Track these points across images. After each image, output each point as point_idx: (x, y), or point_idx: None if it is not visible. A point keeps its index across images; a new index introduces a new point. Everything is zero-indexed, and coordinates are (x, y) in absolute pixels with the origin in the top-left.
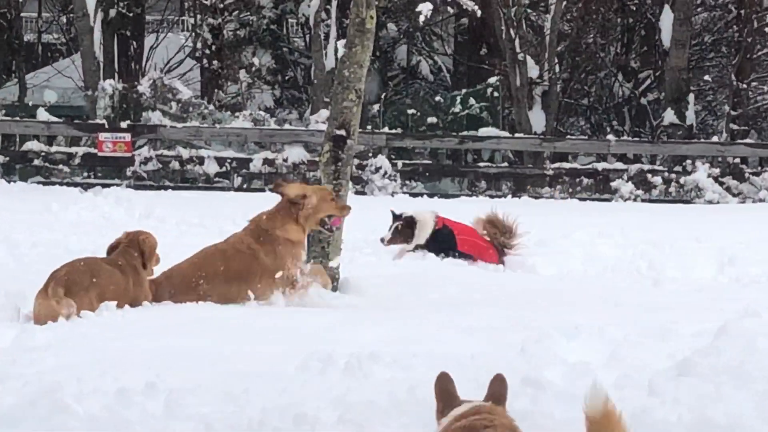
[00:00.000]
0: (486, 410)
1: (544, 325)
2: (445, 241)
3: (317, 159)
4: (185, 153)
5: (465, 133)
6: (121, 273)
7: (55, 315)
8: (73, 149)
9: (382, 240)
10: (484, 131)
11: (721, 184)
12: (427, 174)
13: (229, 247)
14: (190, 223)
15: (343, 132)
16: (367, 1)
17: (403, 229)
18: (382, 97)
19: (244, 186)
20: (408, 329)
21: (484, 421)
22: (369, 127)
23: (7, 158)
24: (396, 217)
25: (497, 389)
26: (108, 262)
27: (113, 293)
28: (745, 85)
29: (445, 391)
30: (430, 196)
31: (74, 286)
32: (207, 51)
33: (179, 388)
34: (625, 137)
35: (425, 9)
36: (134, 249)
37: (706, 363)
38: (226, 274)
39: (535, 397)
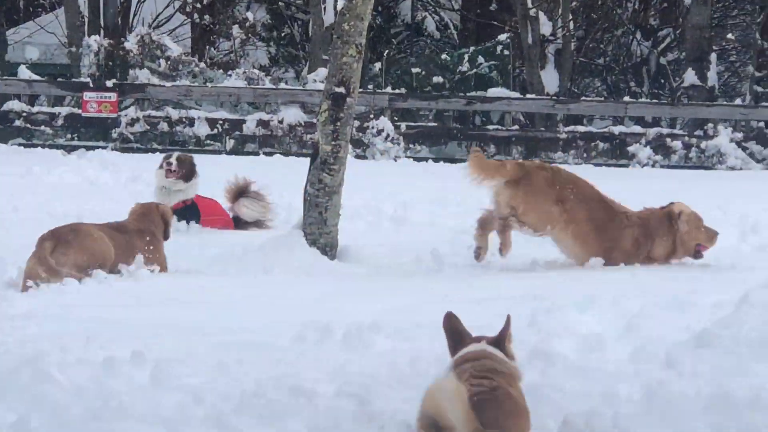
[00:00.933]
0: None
1: (556, 295)
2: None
3: (315, 120)
4: (174, 114)
5: (473, 93)
6: (130, 236)
7: (52, 275)
8: (56, 109)
9: None
10: (493, 92)
11: (744, 149)
12: (433, 137)
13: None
14: None
15: (342, 89)
16: None
17: None
18: (385, 54)
19: (238, 149)
20: (411, 299)
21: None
22: (371, 86)
23: None
24: None
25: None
26: (118, 227)
27: (111, 256)
28: None
29: (454, 329)
30: (436, 160)
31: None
32: (198, 5)
33: (168, 359)
34: (643, 99)
35: None
36: (156, 217)
37: (726, 334)
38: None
39: (545, 370)
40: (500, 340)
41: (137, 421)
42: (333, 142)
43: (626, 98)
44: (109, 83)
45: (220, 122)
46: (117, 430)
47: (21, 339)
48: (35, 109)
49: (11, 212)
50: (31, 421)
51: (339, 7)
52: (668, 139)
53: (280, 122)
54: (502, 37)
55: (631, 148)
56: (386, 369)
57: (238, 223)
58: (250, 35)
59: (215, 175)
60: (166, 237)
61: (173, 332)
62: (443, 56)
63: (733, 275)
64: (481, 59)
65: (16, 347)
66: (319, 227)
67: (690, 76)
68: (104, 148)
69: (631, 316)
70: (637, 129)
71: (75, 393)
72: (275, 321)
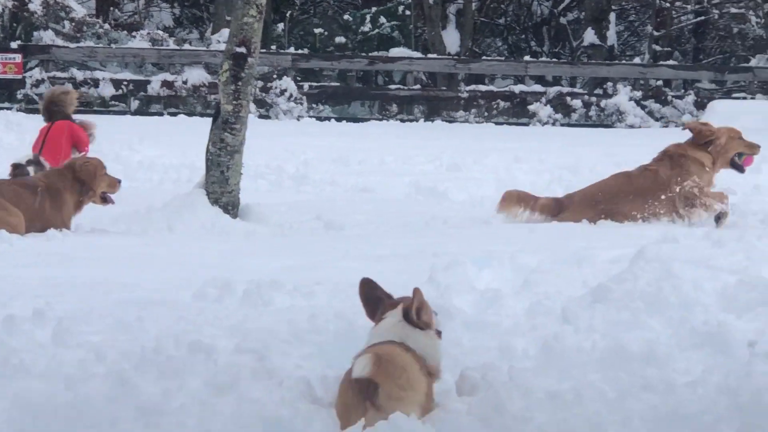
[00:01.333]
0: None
1: (454, 252)
2: None
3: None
4: (79, 75)
5: (375, 53)
6: (33, 194)
7: None
8: None
9: None
10: (395, 52)
11: (643, 107)
12: (335, 97)
13: (635, 171)
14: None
15: (243, 49)
16: None
17: None
18: (288, 15)
19: (143, 109)
20: (311, 257)
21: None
22: (274, 47)
23: None
24: None
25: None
26: (20, 184)
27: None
28: (668, 4)
29: (370, 297)
30: (338, 120)
31: None
32: None
33: (69, 317)
34: (544, 59)
35: None
36: (69, 174)
37: (621, 289)
38: (626, 193)
39: (443, 324)
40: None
41: (38, 379)
42: (234, 102)
43: (527, 58)
44: (14, 44)
45: (125, 83)
46: (18, 388)
47: None
48: None
49: None
50: None
51: None
52: (568, 98)
53: (184, 83)
54: None
55: (531, 107)
56: (285, 326)
57: None
58: None
59: (120, 136)
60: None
61: (75, 290)
62: (345, 17)
63: (629, 231)
64: (382, 19)
65: None
66: (221, 186)
67: (589, 36)
68: (9, 109)
69: (528, 271)
70: (538, 88)
71: None
72: (177, 278)
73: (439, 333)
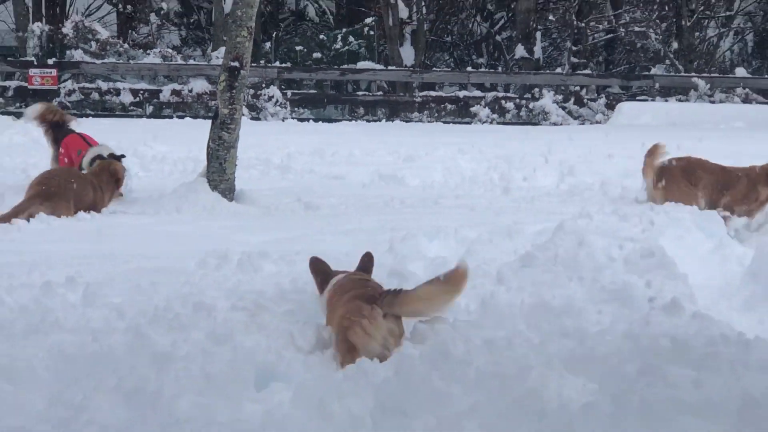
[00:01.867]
0: (358, 275)
1: (409, 227)
2: None
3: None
4: (104, 86)
5: (345, 66)
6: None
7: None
8: (7, 83)
9: None
10: (361, 65)
11: (564, 108)
12: (313, 102)
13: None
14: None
15: (236, 63)
16: None
17: None
18: (274, 35)
19: (156, 113)
20: (293, 232)
21: (359, 277)
22: (262, 61)
23: None
24: None
25: (366, 262)
26: (80, 176)
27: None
28: (583, 24)
29: (320, 269)
30: (316, 120)
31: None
32: None
33: (96, 282)
34: (483, 69)
35: None
36: (106, 174)
37: (544, 256)
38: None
39: (400, 285)
40: (369, 270)
41: (70, 333)
42: (230, 106)
43: (469, 68)
44: (50, 61)
45: (141, 92)
46: (54, 340)
47: None
48: None
49: None
50: None
51: None
52: (503, 101)
53: (190, 91)
54: (369, 20)
55: (473, 109)
56: (272, 288)
57: None
58: (164, 21)
59: (137, 135)
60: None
61: (100, 261)
62: (321, 36)
63: (552, 207)
64: (351, 38)
65: None
66: (220, 175)
67: (520, 50)
68: None
69: (469, 242)
70: (478, 93)
71: (19, 311)
72: (183, 250)
73: None
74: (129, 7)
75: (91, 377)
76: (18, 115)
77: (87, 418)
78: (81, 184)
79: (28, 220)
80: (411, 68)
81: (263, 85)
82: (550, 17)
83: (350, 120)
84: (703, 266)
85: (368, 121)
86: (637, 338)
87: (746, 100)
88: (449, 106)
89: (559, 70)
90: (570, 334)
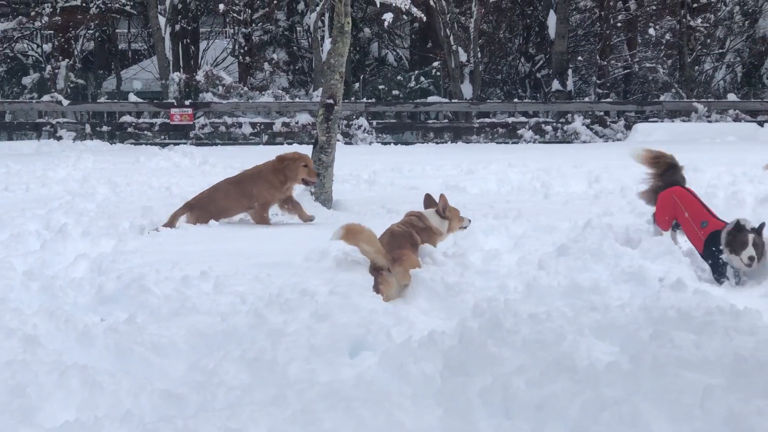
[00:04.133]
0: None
1: (470, 226)
2: None
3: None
4: (229, 120)
5: (418, 100)
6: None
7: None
8: (154, 120)
9: None
10: (431, 99)
11: (591, 129)
12: (394, 129)
13: None
14: (233, 167)
15: (331, 101)
16: (345, 11)
17: None
18: (361, 77)
19: (270, 141)
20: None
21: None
22: (353, 98)
23: (110, 128)
24: None
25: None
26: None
27: None
28: (605, 63)
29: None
30: (396, 144)
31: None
32: (242, 50)
33: (224, 275)
34: (527, 100)
35: (388, 17)
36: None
37: (576, 247)
38: None
39: (462, 273)
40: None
41: (204, 315)
42: (327, 134)
43: (516, 100)
44: (187, 102)
45: (258, 125)
46: (191, 321)
47: (130, 266)
48: (140, 120)
49: (125, 186)
50: (137, 318)
51: (327, 48)
52: (543, 125)
53: (296, 123)
54: (436, 63)
55: (519, 131)
56: (362, 277)
57: None
58: (275, 68)
59: (254, 160)
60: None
61: (228, 258)
62: (399, 77)
63: (582, 208)
64: (422, 78)
65: (127, 272)
66: (320, 189)
67: (555, 84)
68: (185, 143)
69: (517, 237)
70: (523, 119)
71: (164, 299)
72: (293, 248)
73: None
74: (247, 58)
75: (221, 349)
76: (163, 145)
77: (217, 381)
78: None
79: None
80: (470, 101)
81: (354, 117)
82: (579, 57)
83: (423, 143)
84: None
85: (437, 143)
86: (649, 310)
87: (736, 119)
88: (500, 130)
89: (587, 99)
90: (597, 308)
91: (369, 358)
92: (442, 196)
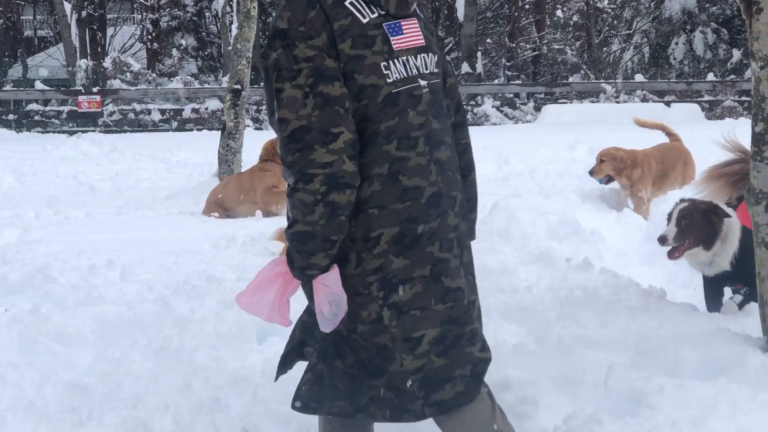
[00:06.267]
0: None
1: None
2: None
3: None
4: (138, 107)
5: None
6: None
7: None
8: (61, 108)
9: None
10: None
11: (501, 111)
12: None
13: None
14: (142, 155)
15: (239, 86)
16: None
17: None
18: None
19: (179, 128)
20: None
21: None
22: (262, 83)
23: (16, 116)
24: None
25: None
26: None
27: None
28: (514, 45)
29: None
30: None
31: None
32: (149, 37)
33: (131, 263)
34: None
35: None
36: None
37: (484, 229)
38: None
39: None
40: None
41: (110, 304)
42: (234, 120)
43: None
44: (95, 89)
45: (168, 111)
46: (97, 311)
47: (35, 256)
48: (47, 108)
49: (31, 175)
50: (42, 308)
51: (235, 33)
52: None
53: (206, 109)
54: None
55: None
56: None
57: None
58: (184, 54)
59: (164, 145)
60: None
61: (135, 246)
62: None
63: (490, 190)
64: None
65: (32, 261)
66: (228, 175)
67: (465, 67)
68: (93, 131)
69: None
70: None
71: (70, 289)
72: (200, 235)
73: None
74: (155, 44)
75: (127, 338)
76: (70, 133)
77: (123, 371)
78: None
79: None
80: None
81: (263, 102)
82: (488, 40)
83: None
84: (609, 232)
85: None
86: (556, 291)
87: (644, 99)
88: None
89: (496, 81)
90: (504, 289)
91: (276, 344)
92: None
